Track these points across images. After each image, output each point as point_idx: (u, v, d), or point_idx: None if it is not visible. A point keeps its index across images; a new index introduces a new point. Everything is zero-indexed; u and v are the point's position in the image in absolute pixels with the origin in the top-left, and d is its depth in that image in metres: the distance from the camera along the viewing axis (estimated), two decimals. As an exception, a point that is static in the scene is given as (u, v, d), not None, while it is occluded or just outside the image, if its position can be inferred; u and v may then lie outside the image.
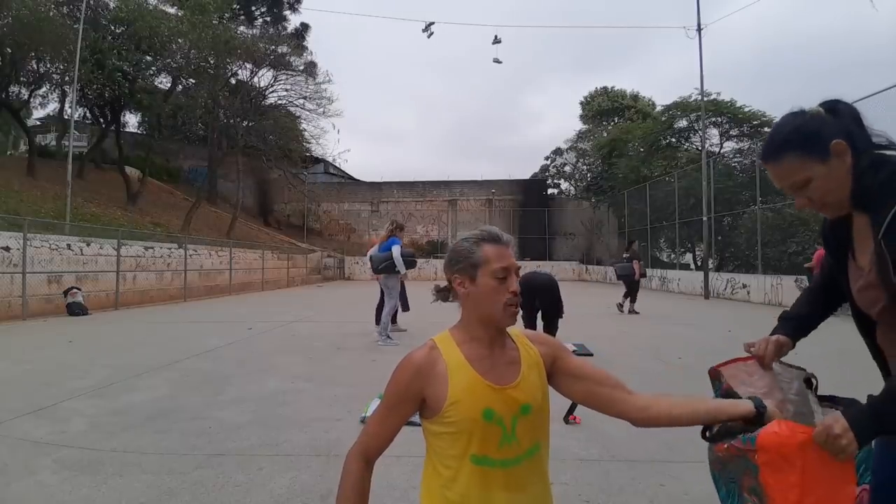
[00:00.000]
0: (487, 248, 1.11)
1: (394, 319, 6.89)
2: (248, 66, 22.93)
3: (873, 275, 0.99)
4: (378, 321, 6.63)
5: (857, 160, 0.99)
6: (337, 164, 31.85)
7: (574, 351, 5.45)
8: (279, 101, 25.26)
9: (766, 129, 19.73)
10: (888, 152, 1.00)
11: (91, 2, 16.28)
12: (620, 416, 1.10)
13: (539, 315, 5.53)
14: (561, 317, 5.56)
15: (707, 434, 1.09)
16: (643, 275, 10.67)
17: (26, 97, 18.87)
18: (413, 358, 1.08)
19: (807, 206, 1.06)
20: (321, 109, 25.17)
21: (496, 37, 21.15)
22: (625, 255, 10.83)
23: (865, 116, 1.04)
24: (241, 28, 24.41)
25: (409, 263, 6.05)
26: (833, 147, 0.98)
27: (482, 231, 1.15)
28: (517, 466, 1.05)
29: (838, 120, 1.01)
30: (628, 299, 10.26)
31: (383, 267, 6.23)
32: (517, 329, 1.19)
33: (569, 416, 3.19)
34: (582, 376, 1.13)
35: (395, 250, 5.99)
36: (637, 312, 10.03)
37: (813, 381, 1.13)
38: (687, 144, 23.04)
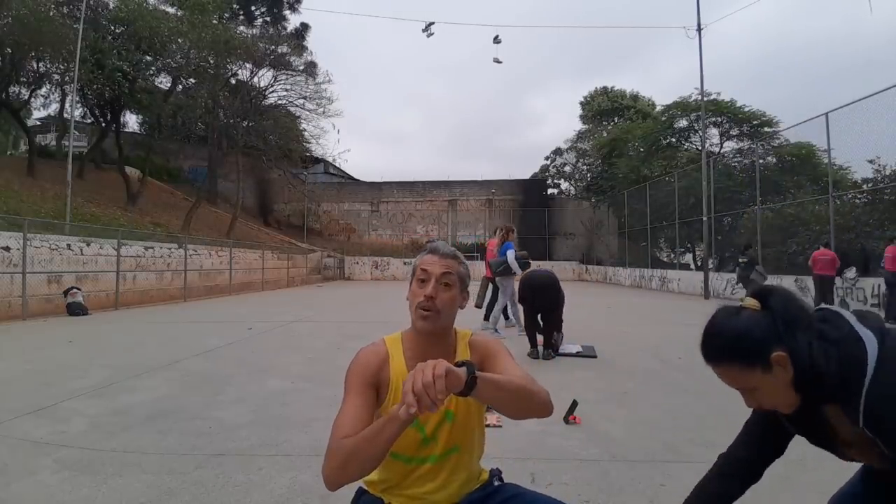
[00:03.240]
0: (425, 257, 1.20)
1: (505, 315, 7.56)
2: (248, 66, 22.94)
3: (866, 445, 0.95)
4: (486, 317, 7.47)
5: (800, 363, 0.95)
6: (337, 164, 31.88)
7: (579, 353, 5.47)
8: (279, 101, 25.29)
9: (766, 129, 19.82)
10: (824, 338, 0.96)
11: (91, 2, 16.29)
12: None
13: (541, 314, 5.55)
14: (558, 313, 5.61)
15: None
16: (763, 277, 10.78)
17: (26, 97, 18.89)
18: (368, 351, 1.19)
19: (757, 406, 1.05)
20: (321, 109, 25.23)
21: (496, 37, 21.18)
22: (742, 260, 10.95)
23: (798, 299, 1.01)
24: (241, 28, 24.43)
25: (523, 265, 6.53)
26: (774, 359, 0.95)
27: (430, 244, 1.23)
28: (431, 465, 1.15)
29: (773, 319, 0.97)
30: None
31: (501, 270, 6.79)
32: (475, 336, 1.26)
33: (569, 417, 3.18)
34: None
35: (510, 255, 6.53)
36: None
37: None
38: (687, 144, 23.07)
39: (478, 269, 10.25)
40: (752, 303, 1.01)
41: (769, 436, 1.15)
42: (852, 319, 0.96)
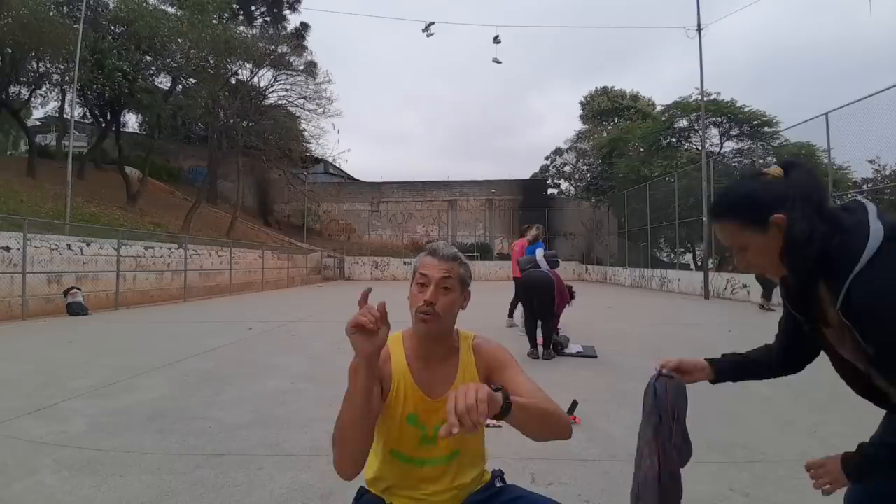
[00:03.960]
0: (424, 259, 1.19)
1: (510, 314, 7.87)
2: (248, 66, 22.94)
3: (845, 329, 0.96)
4: (511, 314, 7.85)
5: (791, 232, 0.96)
6: (337, 164, 31.87)
7: (579, 353, 5.47)
8: (279, 101, 25.29)
9: (767, 129, 19.81)
10: (836, 222, 0.97)
11: (91, 2, 16.29)
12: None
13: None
14: (556, 315, 5.61)
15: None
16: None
17: (26, 97, 18.87)
18: None
19: (745, 267, 1.07)
20: (321, 109, 25.24)
21: (496, 37, 21.18)
22: None
23: (821, 180, 1.02)
24: (241, 28, 24.42)
25: (553, 264, 6.57)
26: (773, 220, 0.97)
27: (430, 245, 1.22)
28: (431, 467, 1.15)
29: (787, 187, 0.99)
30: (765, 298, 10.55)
31: (529, 268, 6.91)
32: (479, 340, 1.25)
33: (569, 417, 3.18)
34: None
35: (539, 253, 6.56)
36: (770, 309, 10.20)
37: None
38: (687, 144, 23.02)
39: (486, 271, 10.16)
40: (775, 171, 1.03)
41: (798, 332, 1.17)
42: (872, 213, 0.96)
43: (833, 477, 1.03)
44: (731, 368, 1.27)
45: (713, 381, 1.28)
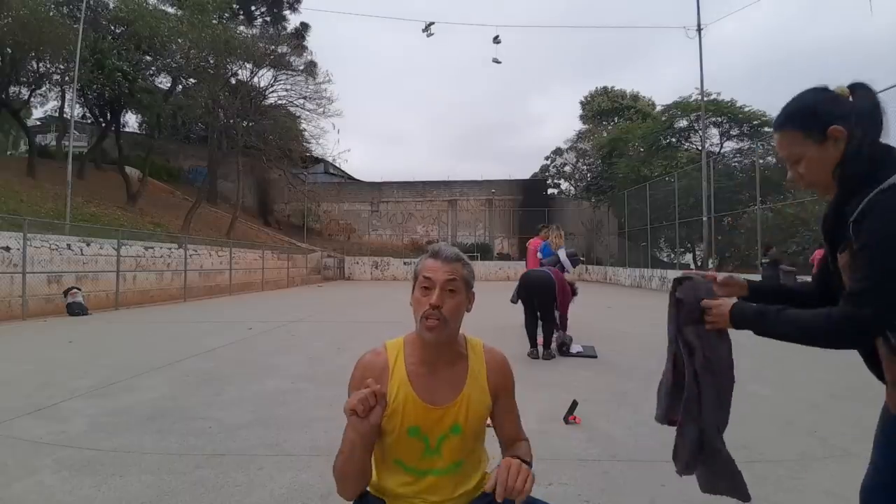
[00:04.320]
0: (426, 262, 1.16)
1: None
2: (248, 66, 22.93)
3: (850, 250, 0.97)
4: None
5: (850, 147, 0.99)
6: (337, 164, 31.87)
7: (579, 353, 5.47)
8: (279, 101, 25.28)
9: (767, 129, 19.80)
10: (889, 150, 1.00)
11: (91, 2, 16.29)
12: None
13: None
14: (557, 314, 5.61)
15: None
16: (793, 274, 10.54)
17: (26, 97, 18.89)
18: (367, 360, 1.18)
19: (797, 181, 1.09)
20: (321, 109, 25.22)
21: (496, 37, 21.20)
22: (764, 261, 10.93)
23: (885, 110, 1.03)
24: (241, 28, 24.43)
25: (575, 262, 6.63)
26: (830, 131, 1.00)
27: (431, 247, 1.20)
28: (434, 477, 1.14)
29: (850, 104, 1.02)
30: None
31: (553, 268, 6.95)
32: (490, 353, 1.24)
33: (569, 417, 3.18)
34: (498, 416, 1.22)
35: (562, 253, 6.61)
36: None
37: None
38: (687, 144, 23.03)
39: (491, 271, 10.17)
40: (843, 90, 1.06)
41: (828, 277, 1.18)
42: None
43: (721, 317, 1.14)
44: (766, 289, 1.30)
45: (742, 298, 1.28)
